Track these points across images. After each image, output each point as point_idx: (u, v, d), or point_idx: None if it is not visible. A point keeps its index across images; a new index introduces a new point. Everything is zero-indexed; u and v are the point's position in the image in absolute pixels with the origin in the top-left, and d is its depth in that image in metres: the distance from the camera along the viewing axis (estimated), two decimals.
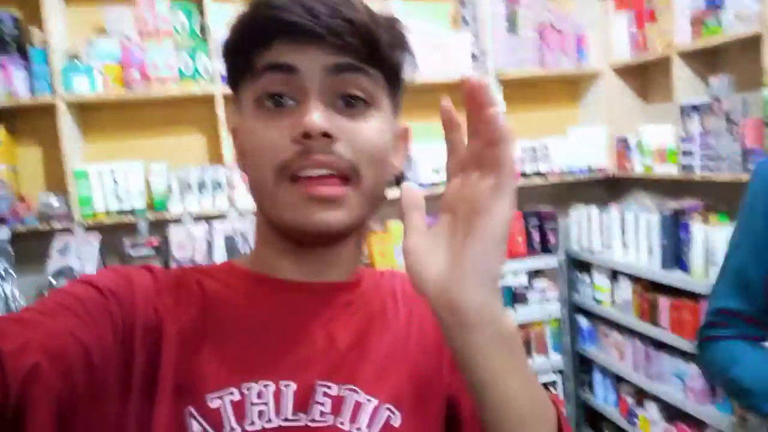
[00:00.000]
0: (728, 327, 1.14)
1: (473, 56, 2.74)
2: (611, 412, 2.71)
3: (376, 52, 0.61)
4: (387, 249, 2.58)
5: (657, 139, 2.49)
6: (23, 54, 2.33)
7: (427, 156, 2.61)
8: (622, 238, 2.55)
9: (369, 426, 0.61)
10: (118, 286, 0.60)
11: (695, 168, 2.27)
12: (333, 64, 0.59)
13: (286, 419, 0.59)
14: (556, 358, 2.81)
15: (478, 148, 0.46)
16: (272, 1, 0.58)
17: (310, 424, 0.59)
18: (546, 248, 2.82)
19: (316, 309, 0.66)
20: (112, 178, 2.42)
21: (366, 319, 0.67)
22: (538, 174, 2.80)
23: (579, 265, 2.86)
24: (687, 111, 2.28)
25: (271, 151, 0.60)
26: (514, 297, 2.75)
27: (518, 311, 2.73)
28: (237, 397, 0.58)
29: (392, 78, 0.65)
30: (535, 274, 2.85)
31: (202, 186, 2.50)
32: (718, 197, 2.29)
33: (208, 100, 2.49)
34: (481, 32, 2.73)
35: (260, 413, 0.58)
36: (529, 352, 2.74)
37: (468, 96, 0.45)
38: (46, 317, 0.53)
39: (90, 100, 2.40)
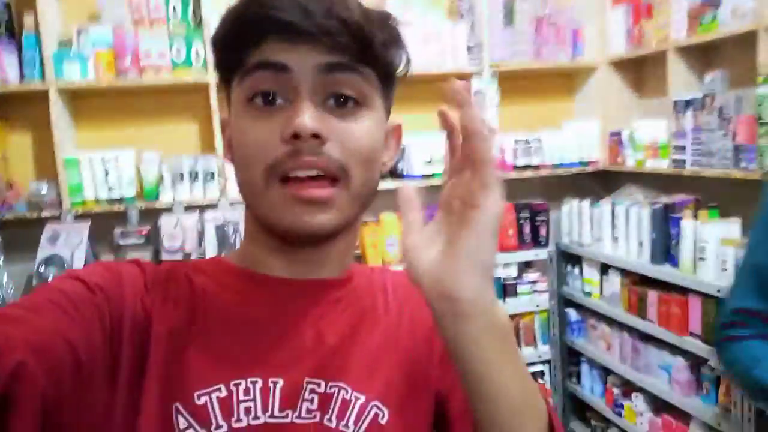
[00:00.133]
0: (747, 327, 1.15)
1: (469, 48, 2.73)
2: (597, 402, 2.74)
3: (369, 51, 0.60)
4: (379, 240, 2.58)
5: (649, 134, 2.50)
6: (14, 39, 2.31)
7: (420, 147, 2.61)
8: (613, 232, 2.56)
9: (356, 423, 0.61)
10: (106, 281, 0.60)
11: (687, 163, 2.28)
12: (325, 63, 0.59)
13: (272, 416, 0.59)
14: (544, 349, 2.83)
15: (466, 148, 0.48)
16: None
17: (296, 421, 0.60)
18: (537, 241, 2.83)
19: (306, 306, 0.66)
20: (102, 166, 2.41)
21: (356, 316, 0.68)
22: (531, 167, 2.80)
23: (569, 257, 2.88)
24: (680, 106, 2.29)
25: (261, 150, 0.59)
26: (504, 289, 2.77)
27: (508, 303, 2.75)
28: (224, 393, 0.59)
29: (385, 76, 0.64)
30: (525, 266, 2.86)
31: (193, 175, 2.48)
32: (709, 193, 2.31)
33: (201, 89, 2.47)
34: (478, 24, 2.71)
35: (247, 410, 0.58)
36: (518, 343, 2.76)
37: (449, 99, 0.47)
38: (32, 314, 0.53)
39: (81, 87, 2.38)
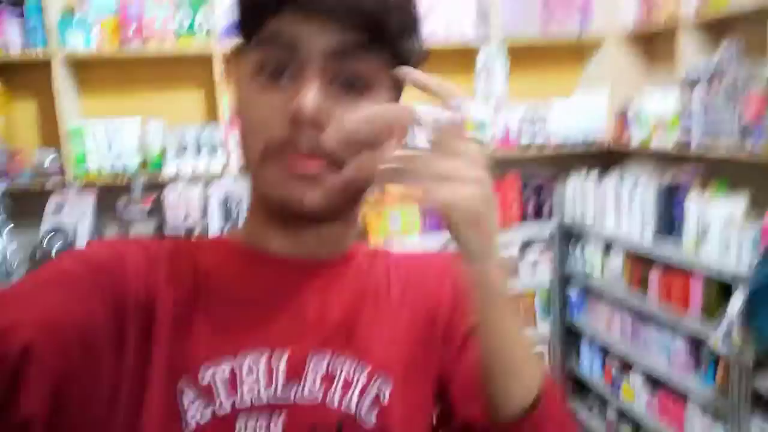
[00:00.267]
0: None
1: (477, 18, 2.69)
2: (596, 381, 2.76)
3: (384, 36, 0.59)
4: (382, 215, 2.59)
5: (656, 110, 2.47)
6: (18, 7, 2.29)
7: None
8: (617, 209, 2.55)
9: (360, 395, 0.62)
10: (109, 260, 0.60)
11: (693, 140, 2.25)
12: (337, 44, 0.57)
13: (276, 390, 0.60)
14: (544, 329, 2.85)
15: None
16: None
17: (300, 394, 0.60)
18: (540, 217, 2.82)
19: (309, 283, 0.66)
20: (107, 135, 2.41)
21: (358, 292, 0.68)
22: (536, 143, 2.78)
23: (571, 235, 2.88)
24: (689, 82, 2.25)
25: (263, 126, 0.59)
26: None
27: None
28: (228, 371, 0.59)
29: (397, 63, 0.62)
30: (527, 244, 2.86)
31: (198, 146, 2.48)
32: (716, 171, 2.29)
33: (205, 59, 2.45)
34: None
35: (252, 387, 0.59)
36: None
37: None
38: (38, 293, 0.53)
39: (85, 56, 2.37)
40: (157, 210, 2.42)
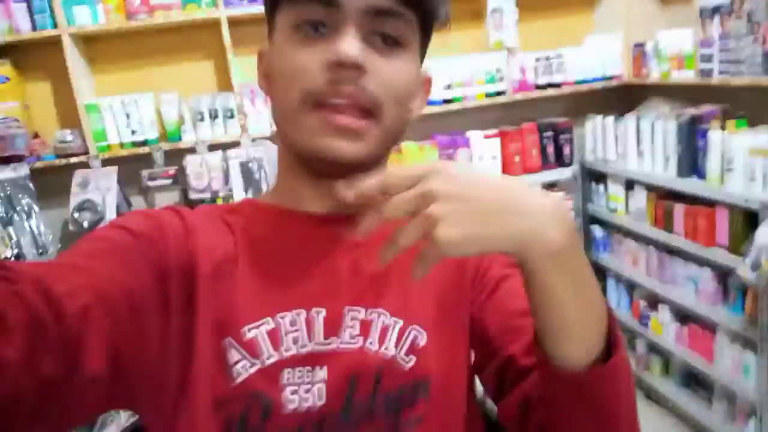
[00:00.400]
0: None
1: None
2: (624, 316, 2.80)
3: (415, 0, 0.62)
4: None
5: (675, 44, 2.42)
6: None
7: (439, 72, 2.56)
8: (638, 147, 2.53)
9: (396, 345, 0.65)
10: (149, 228, 0.62)
11: (714, 73, 2.21)
12: (376, 5, 0.60)
13: (318, 343, 0.63)
14: None
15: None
16: None
17: (340, 346, 0.63)
18: (561, 160, 2.81)
19: (341, 240, 0.69)
20: (123, 110, 2.42)
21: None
22: (553, 85, 2.74)
23: (594, 175, 2.86)
24: (707, 13, 2.19)
25: (301, 75, 0.61)
26: None
27: None
28: (271, 326, 0.62)
29: (426, 24, 0.66)
30: (549, 186, 2.86)
31: (213, 114, 2.49)
32: (738, 103, 2.25)
33: (213, 25, 2.44)
34: None
35: (294, 340, 0.62)
36: None
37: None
38: (89, 262, 0.56)
39: (93, 31, 2.36)
40: (180, 179, 2.45)
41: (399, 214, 0.51)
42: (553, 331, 0.55)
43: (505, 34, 2.63)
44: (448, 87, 2.61)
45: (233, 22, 2.43)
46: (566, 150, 2.80)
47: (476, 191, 0.49)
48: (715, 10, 2.15)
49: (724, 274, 2.16)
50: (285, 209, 0.70)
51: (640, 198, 2.55)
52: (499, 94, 2.70)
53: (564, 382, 0.55)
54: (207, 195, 2.43)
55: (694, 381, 2.50)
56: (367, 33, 0.61)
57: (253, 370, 0.61)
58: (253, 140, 2.49)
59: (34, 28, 2.29)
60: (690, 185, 2.24)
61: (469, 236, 0.48)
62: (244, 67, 2.47)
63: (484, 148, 2.74)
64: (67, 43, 2.30)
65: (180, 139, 2.48)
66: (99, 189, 2.32)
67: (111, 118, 2.41)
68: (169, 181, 2.45)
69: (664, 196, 2.42)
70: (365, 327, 0.65)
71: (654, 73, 2.58)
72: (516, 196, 0.50)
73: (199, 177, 2.44)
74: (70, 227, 2.34)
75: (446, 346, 0.68)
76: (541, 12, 2.86)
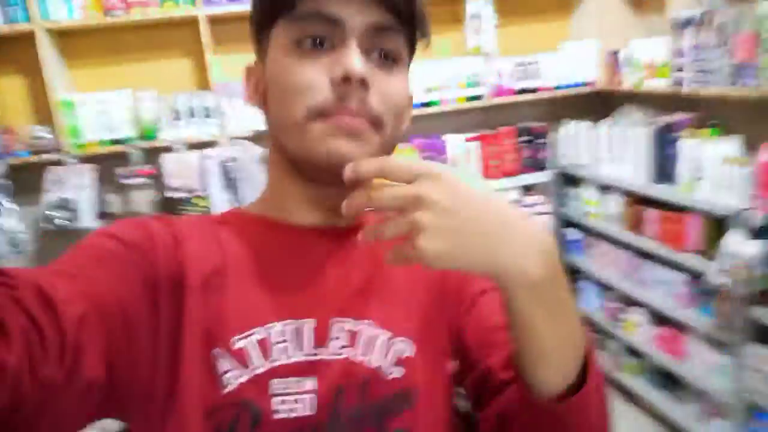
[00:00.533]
0: None
1: None
2: (598, 317, 2.85)
3: (413, 13, 0.64)
4: None
5: (648, 53, 2.48)
6: None
7: (418, 75, 2.58)
8: (612, 153, 2.58)
9: (383, 357, 0.66)
10: (139, 238, 0.62)
11: (686, 82, 2.27)
12: (377, 22, 0.62)
13: (306, 354, 0.64)
14: None
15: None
16: None
17: (327, 357, 0.64)
18: (538, 164, 2.85)
19: (330, 250, 0.70)
20: (99, 107, 2.38)
21: (375, 260, 0.71)
22: (530, 90, 2.79)
23: (569, 179, 2.91)
24: (680, 24, 2.25)
25: (306, 89, 0.62)
26: None
27: None
28: (260, 336, 0.63)
29: (414, 41, 0.68)
30: (526, 189, 2.90)
31: (191, 113, 2.46)
32: (709, 112, 2.32)
33: (192, 23, 2.41)
34: None
35: (283, 350, 0.63)
36: None
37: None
38: (82, 270, 0.56)
39: (68, 27, 2.32)
40: (156, 178, 2.42)
41: (384, 206, 0.52)
42: (530, 357, 0.57)
43: (483, 40, 2.66)
44: (428, 90, 2.63)
45: (212, 20, 2.41)
46: (543, 154, 2.84)
47: (466, 209, 0.50)
48: (688, 21, 2.21)
49: (695, 278, 2.23)
50: (274, 220, 0.71)
51: (613, 202, 2.60)
52: (477, 98, 2.73)
53: (538, 410, 0.58)
54: (184, 194, 2.40)
55: (667, 381, 2.57)
56: (367, 49, 0.63)
57: (242, 380, 0.61)
58: (232, 139, 2.47)
59: (6, 20, 2.24)
60: (662, 191, 2.30)
61: (447, 253, 0.50)
62: (223, 66, 2.45)
63: (462, 151, 2.76)
64: (41, 38, 2.26)
65: (156, 137, 2.45)
66: (74, 187, 2.28)
67: (86, 115, 2.37)
68: (145, 180, 2.42)
69: (637, 201, 2.48)
70: (353, 338, 0.66)
71: (628, 81, 2.64)
72: (504, 221, 0.51)
73: (176, 176, 2.41)
74: (41, 225, 2.29)
75: (431, 358, 0.69)
76: (518, 17, 2.90)
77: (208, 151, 2.42)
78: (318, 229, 0.70)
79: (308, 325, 0.64)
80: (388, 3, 0.62)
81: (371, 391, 0.64)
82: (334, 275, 0.68)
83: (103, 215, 2.42)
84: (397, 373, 0.66)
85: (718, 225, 2.04)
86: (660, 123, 2.36)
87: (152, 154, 2.43)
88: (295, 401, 0.61)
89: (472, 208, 0.50)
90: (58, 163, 2.34)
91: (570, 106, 2.94)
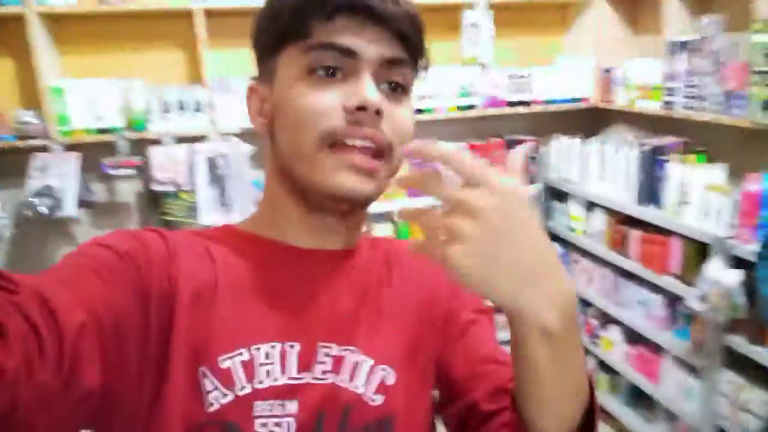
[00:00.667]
0: None
1: None
2: None
3: (421, 44, 0.67)
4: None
5: (642, 74, 2.49)
6: None
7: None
8: (600, 171, 2.60)
9: (366, 383, 0.66)
10: (134, 250, 0.62)
11: (677, 106, 2.29)
12: (391, 56, 0.64)
13: (291, 377, 0.64)
14: None
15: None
16: None
17: (312, 381, 0.64)
18: (526, 177, 2.86)
19: (322, 275, 0.70)
20: (89, 94, 2.35)
21: (365, 284, 0.72)
22: (522, 103, 2.79)
23: (556, 193, 2.93)
24: (675, 47, 2.27)
25: (321, 116, 0.63)
26: None
27: None
28: (246, 357, 0.63)
29: (418, 69, 0.70)
30: None
31: (181, 106, 2.44)
32: (698, 137, 2.34)
33: (187, 15, 2.39)
34: None
35: (268, 372, 0.63)
36: None
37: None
38: (79, 279, 0.56)
39: (62, 12, 2.29)
40: (143, 169, 2.40)
41: (436, 197, 0.51)
42: (532, 401, 0.58)
43: (479, 50, 2.66)
44: (421, 98, 2.62)
45: (208, 14, 2.39)
46: (531, 167, 2.85)
47: (513, 239, 0.49)
48: (683, 45, 2.23)
49: (673, 301, 2.25)
50: (267, 240, 0.71)
51: (599, 220, 2.62)
52: (470, 107, 2.73)
53: None
54: (170, 188, 2.39)
55: (641, 400, 2.59)
56: (379, 81, 0.64)
57: (225, 401, 0.61)
58: (222, 135, 2.45)
59: None
60: (647, 213, 2.32)
61: (475, 273, 0.48)
62: (217, 61, 2.43)
63: None
64: (33, 22, 2.22)
65: (145, 128, 2.43)
66: (59, 175, 2.25)
67: (75, 102, 2.34)
68: (132, 171, 2.40)
69: (622, 220, 2.50)
70: (337, 363, 0.66)
71: (620, 100, 2.65)
72: (542, 264, 0.50)
73: (164, 169, 2.39)
74: (24, 212, 2.27)
75: (413, 385, 0.70)
76: (515, 29, 2.90)
77: (197, 145, 2.40)
78: (311, 251, 0.70)
79: (294, 348, 0.65)
80: (401, 36, 0.64)
81: (352, 417, 0.64)
82: (323, 299, 0.69)
83: (85, 204, 2.40)
84: (378, 400, 0.66)
85: (699, 251, 2.06)
86: (649, 145, 2.37)
87: (140, 146, 2.41)
88: (277, 425, 0.62)
89: (519, 240, 0.49)
90: (44, 149, 2.31)
91: (562, 121, 2.95)
